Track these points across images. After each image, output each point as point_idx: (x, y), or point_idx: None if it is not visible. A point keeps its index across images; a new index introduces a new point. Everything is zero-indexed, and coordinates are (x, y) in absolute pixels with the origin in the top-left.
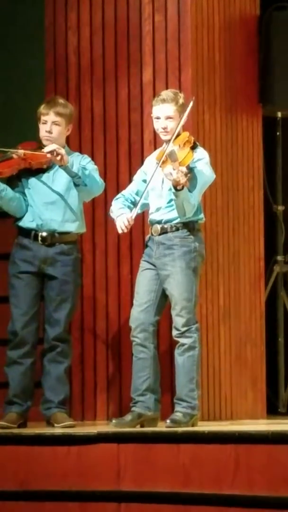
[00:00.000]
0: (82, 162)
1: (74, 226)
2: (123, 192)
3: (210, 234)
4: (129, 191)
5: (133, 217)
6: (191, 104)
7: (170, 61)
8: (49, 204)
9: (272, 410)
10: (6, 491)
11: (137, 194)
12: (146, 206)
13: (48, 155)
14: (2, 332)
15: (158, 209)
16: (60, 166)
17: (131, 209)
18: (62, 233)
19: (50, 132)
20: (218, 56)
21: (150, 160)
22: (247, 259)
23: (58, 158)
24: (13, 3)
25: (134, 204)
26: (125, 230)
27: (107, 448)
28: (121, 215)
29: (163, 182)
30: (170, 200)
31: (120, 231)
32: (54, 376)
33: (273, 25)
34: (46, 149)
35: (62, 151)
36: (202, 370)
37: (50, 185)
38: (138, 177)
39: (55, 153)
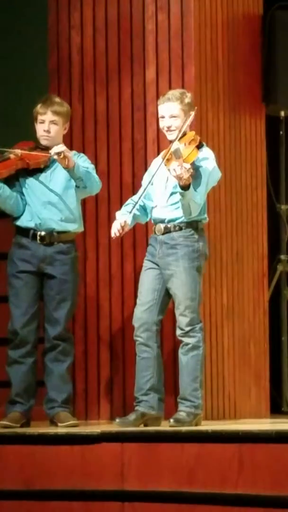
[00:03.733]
0: (79, 161)
1: (72, 225)
2: (133, 197)
3: (214, 233)
4: (138, 195)
5: (128, 222)
6: (192, 114)
7: (173, 60)
8: (47, 204)
9: (276, 409)
10: (10, 491)
11: (145, 197)
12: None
13: (55, 157)
14: (1, 331)
15: (161, 208)
16: (65, 168)
17: (136, 214)
18: (60, 232)
19: (48, 131)
20: (221, 55)
21: (156, 161)
22: (251, 258)
23: (65, 160)
24: (16, 2)
25: (143, 207)
26: (118, 235)
27: (111, 448)
28: (117, 220)
29: (167, 180)
30: (174, 199)
31: (112, 236)
32: (56, 375)
33: (276, 24)
34: (53, 150)
35: (69, 154)
36: (205, 369)
37: (48, 185)
38: (145, 180)
39: (62, 155)
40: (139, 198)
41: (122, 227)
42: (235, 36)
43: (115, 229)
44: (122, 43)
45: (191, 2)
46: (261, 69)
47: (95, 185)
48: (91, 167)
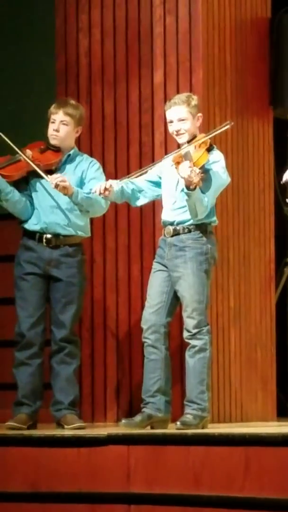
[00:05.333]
0: (90, 170)
1: (79, 229)
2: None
3: (221, 236)
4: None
5: (113, 185)
6: (227, 127)
7: (181, 63)
8: (55, 208)
9: (282, 413)
10: (16, 493)
11: (150, 185)
12: (156, 197)
13: (52, 185)
14: (4, 333)
15: (171, 210)
16: (65, 194)
17: (125, 190)
18: (66, 236)
19: (57, 130)
20: (229, 58)
21: (167, 159)
22: (258, 261)
23: (65, 190)
24: (24, 4)
25: (137, 190)
26: (97, 192)
27: (117, 450)
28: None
29: (177, 183)
30: (183, 202)
31: (93, 191)
32: (63, 378)
33: (284, 27)
34: (52, 178)
35: (67, 183)
36: (212, 372)
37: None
38: (152, 171)
39: (59, 187)
40: (131, 176)
41: (107, 189)
42: (243, 40)
43: (101, 187)
44: (130, 46)
45: (199, 5)
46: (269, 72)
47: (98, 209)
48: (101, 180)
